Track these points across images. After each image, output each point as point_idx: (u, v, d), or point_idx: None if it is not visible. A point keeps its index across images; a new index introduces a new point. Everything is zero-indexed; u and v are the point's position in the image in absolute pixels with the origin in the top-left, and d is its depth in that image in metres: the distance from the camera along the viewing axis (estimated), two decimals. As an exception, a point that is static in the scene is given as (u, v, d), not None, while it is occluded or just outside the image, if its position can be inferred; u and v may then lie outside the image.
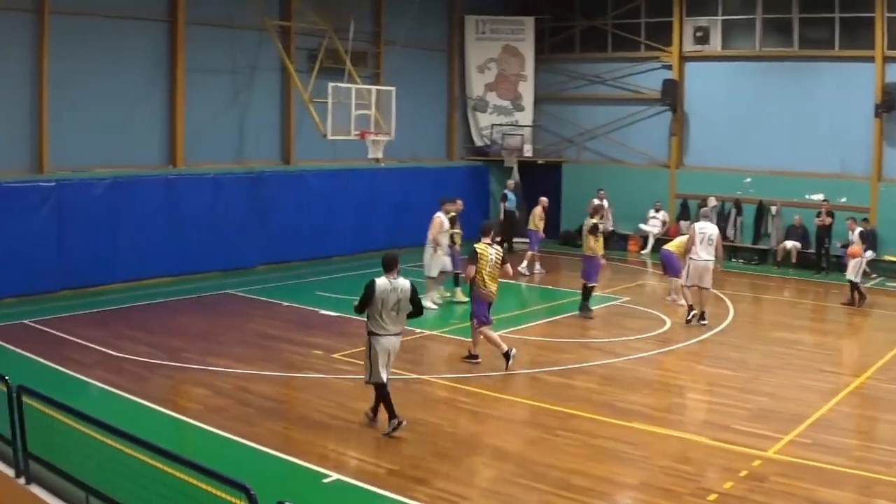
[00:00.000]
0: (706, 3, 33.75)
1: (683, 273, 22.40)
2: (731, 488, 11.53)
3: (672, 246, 23.66)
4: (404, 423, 13.54)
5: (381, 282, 13.47)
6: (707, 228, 21.94)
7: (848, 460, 12.66)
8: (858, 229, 24.55)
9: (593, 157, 36.99)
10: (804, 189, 31.37)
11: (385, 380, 13.58)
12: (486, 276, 17.61)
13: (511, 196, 33.50)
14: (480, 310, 17.75)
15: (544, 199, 29.16)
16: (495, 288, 17.82)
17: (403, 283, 13.63)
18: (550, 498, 11.27)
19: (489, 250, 17.73)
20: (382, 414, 13.73)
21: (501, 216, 33.56)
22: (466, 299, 22.31)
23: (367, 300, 13.46)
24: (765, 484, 11.66)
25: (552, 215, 33.93)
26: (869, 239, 25.85)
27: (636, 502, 11.34)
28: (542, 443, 13.45)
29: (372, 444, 13.24)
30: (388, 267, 13.61)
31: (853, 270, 24.39)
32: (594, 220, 22.70)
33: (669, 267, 23.68)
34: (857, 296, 24.68)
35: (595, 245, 22.52)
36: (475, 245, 17.82)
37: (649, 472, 12.10)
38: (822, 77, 31.15)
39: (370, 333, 13.64)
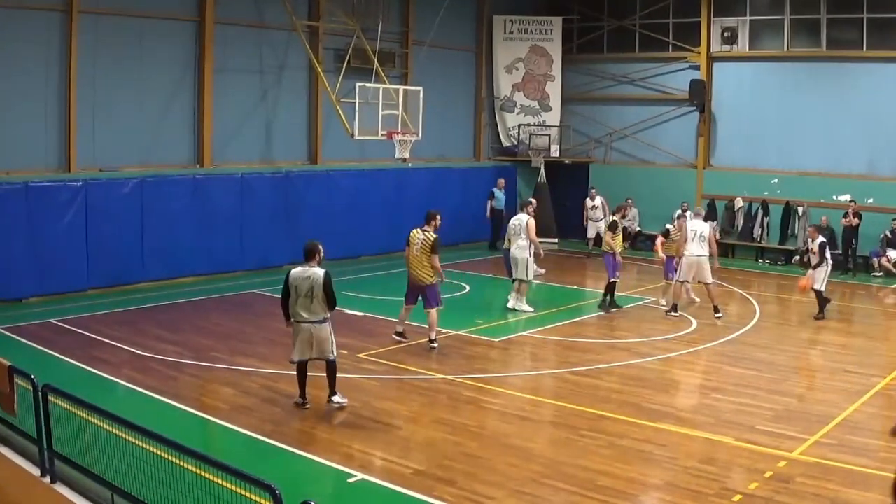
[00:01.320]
0: (734, 4, 33.65)
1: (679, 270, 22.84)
2: (756, 489, 11.50)
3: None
4: (308, 406, 14.70)
5: (296, 270, 14.30)
6: (698, 226, 22.64)
7: (874, 461, 12.58)
8: (819, 239, 23.20)
9: (620, 157, 36.95)
10: (831, 190, 31.23)
11: (300, 360, 14.54)
12: (411, 260, 18.62)
13: (498, 195, 33.30)
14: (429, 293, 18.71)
15: (533, 201, 28.49)
16: (420, 273, 18.49)
17: (316, 271, 14.16)
18: (577, 499, 11.27)
19: (418, 236, 18.55)
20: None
21: (489, 213, 33.67)
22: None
23: (284, 290, 14.35)
24: (790, 485, 11.62)
25: (580, 216, 33.81)
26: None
27: (662, 503, 11.32)
28: (568, 443, 13.44)
29: (397, 444, 13.26)
30: (306, 256, 14.32)
31: (821, 281, 23.05)
32: (614, 218, 23.14)
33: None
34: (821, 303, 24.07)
35: (612, 242, 23.03)
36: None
37: (675, 473, 12.09)
38: (849, 78, 31.03)
39: (294, 320, 14.42)
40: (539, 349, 19.55)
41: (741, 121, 33.66)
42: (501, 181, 33.85)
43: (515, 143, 37.36)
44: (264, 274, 27.08)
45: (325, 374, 14.70)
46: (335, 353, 14.58)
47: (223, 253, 26.76)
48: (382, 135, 27.18)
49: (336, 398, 14.64)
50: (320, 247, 14.43)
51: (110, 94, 24.84)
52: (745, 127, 33.52)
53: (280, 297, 14.59)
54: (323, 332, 14.36)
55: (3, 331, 19.35)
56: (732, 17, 33.64)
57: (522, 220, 22.68)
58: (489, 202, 33.25)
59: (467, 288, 25.81)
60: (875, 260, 29.69)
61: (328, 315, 14.43)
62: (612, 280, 23.11)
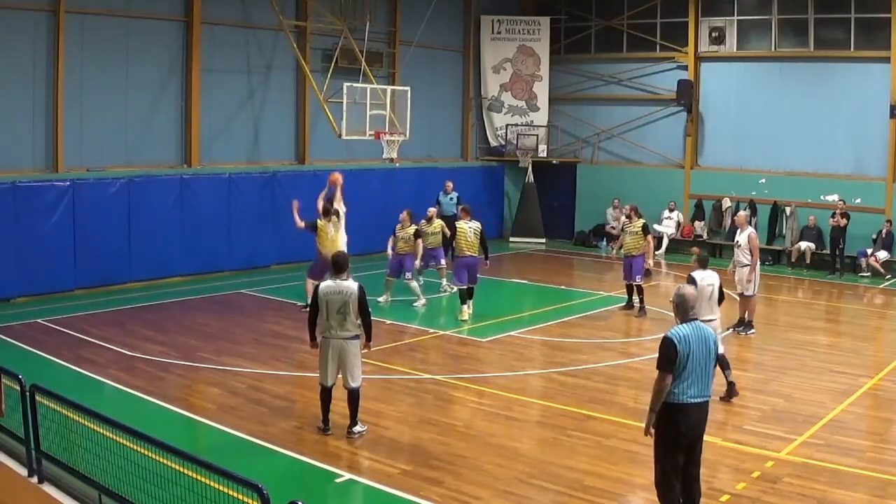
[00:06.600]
0: (722, 4, 33.70)
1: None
2: (743, 489, 11.52)
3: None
4: (330, 431, 13.58)
5: (326, 284, 13.35)
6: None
7: (861, 462, 12.62)
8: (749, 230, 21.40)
9: (608, 157, 36.96)
10: (819, 190, 31.28)
11: (328, 384, 13.51)
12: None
13: (444, 199, 30.61)
14: None
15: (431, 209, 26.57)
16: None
17: (350, 286, 13.23)
18: (564, 499, 11.28)
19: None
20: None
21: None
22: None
23: (313, 305, 13.39)
24: (777, 485, 11.64)
25: (569, 215, 33.84)
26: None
27: (648, 503, 11.31)
28: (555, 443, 13.44)
29: (385, 444, 13.26)
30: (337, 268, 13.45)
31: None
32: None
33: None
34: None
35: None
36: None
37: (662, 473, 12.08)
38: (837, 78, 31.09)
39: (322, 336, 13.49)
40: (526, 349, 19.51)
41: (729, 121, 33.71)
42: (449, 184, 31.11)
43: (503, 143, 37.36)
44: (251, 274, 27.13)
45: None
46: (360, 381, 13.58)
47: (210, 253, 26.73)
48: (370, 135, 27.18)
49: (356, 428, 13.51)
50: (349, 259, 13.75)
51: (97, 94, 24.80)
52: (732, 127, 33.58)
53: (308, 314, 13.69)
54: (353, 349, 13.39)
55: (-11, 331, 19.31)
56: (720, 17, 33.69)
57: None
58: (436, 208, 29.16)
59: (453, 288, 25.81)
60: (863, 260, 29.72)
61: (360, 332, 13.51)
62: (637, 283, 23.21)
